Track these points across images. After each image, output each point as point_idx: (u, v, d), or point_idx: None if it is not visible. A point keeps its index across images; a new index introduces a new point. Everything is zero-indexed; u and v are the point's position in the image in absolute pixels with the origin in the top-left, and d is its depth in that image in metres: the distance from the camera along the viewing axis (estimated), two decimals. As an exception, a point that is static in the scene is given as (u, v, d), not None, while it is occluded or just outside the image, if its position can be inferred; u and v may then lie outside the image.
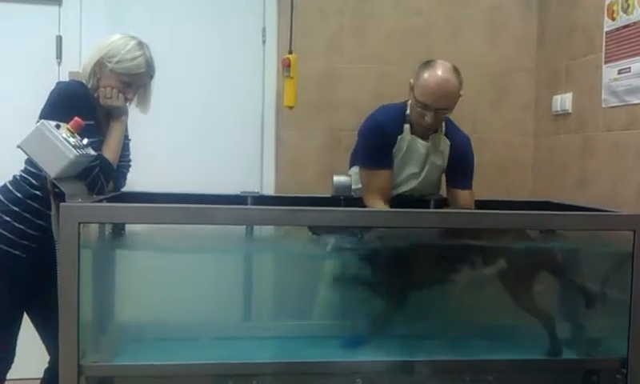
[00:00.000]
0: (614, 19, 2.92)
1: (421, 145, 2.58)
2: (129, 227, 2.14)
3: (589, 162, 3.12)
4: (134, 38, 2.38)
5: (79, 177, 2.13)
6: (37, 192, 2.25)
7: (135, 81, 2.37)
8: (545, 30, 3.62)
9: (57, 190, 1.96)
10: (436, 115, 2.47)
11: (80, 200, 1.96)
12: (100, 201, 2.13)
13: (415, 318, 2.36)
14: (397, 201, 2.60)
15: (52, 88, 2.31)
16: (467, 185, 2.66)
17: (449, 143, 2.62)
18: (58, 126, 1.95)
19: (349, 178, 2.67)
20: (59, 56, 3.39)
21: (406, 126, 2.56)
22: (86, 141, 2.07)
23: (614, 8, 2.91)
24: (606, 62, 2.98)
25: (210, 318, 2.29)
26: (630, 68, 2.80)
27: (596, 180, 3.06)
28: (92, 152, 2.12)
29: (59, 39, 3.40)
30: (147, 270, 2.20)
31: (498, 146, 3.69)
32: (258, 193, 2.70)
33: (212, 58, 3.52)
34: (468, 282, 2.39)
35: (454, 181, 2.66)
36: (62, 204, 1.87)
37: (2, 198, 2.28)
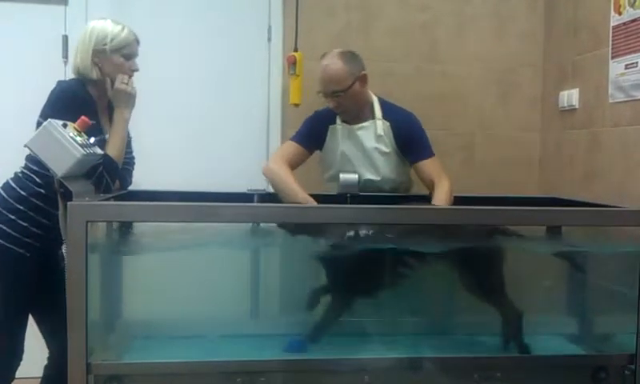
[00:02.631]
0: (620, 14, 2.91)
1: (348, 129, 2.72)
2: (136, 225, 2.15)
3: (596, 158, 3.11)
4: (104, 18, 2.42)
5: (84, 176, 2.14)
6: (41, 190, 2.26)
7: (133, 50, 2.41)
8: (551, 25, 3.61)
9: (62, 189, 1.96)
10: (334, 99, 2.64)
11: (87, 199, 1.97)
12: (107, 199, 2.13)
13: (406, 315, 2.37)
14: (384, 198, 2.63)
15: (53, 87, 2.31)
16: (426, 154, 2.71)
17: (388, 124, 2.70)
18: (64, 125, 1.96)
19: (355, 175, 2.68)
20: (65, 55, 3.39)
21: (338, 118, 2.74)
22: (92, 139, 2.07)
23: (621, 2, 2.90)
24: (612, 57, 2.96)
25: (217, 315, 2.29)
26: (637, 63, 2.78)
27: (603, 176, 3.04)
28: (99, 151, 2.12)
29: (65, 39, 3.40)
30: (155, 268, 2.20)
31: (505, 141, 3.68)
32: (264, 190, 2.70)
33: (217, 56, 3.52)
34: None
35: (412, 156, 2.72)
36: (69, 203, 1.88)
37: (7, 196, 2.29)
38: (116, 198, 2.22)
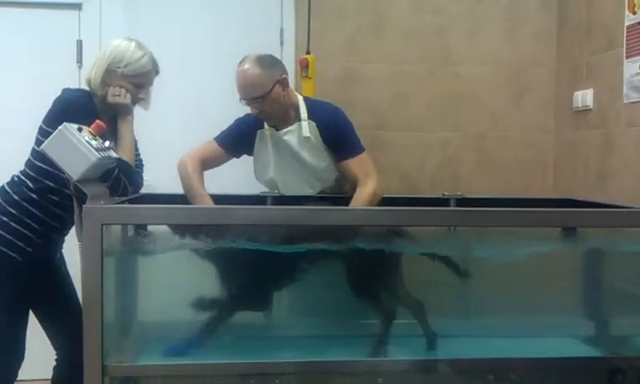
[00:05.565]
0: (634, 13, 2.89)
1: (276, 136, 2.63)
2: (150, 228, 2.16)
3: (610, 159, 3.09)
4: (131, 39, 2.40)
5: (100, 180, 2.15)
6: (33, 195, 2.29)
7: (146, 80, 2.40)
8: (564, 25, 3.59)
9: (77, 193, 1.98)
10: (255, 105, 2.54)
11: (102, 202, 1.98)
12: (122, 202, 2.15)
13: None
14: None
15: (58, 96, 2.32)
16: (350, 153, 2.61)
17: (314, 124, 2.62)
18: (80, 129, 1.97)
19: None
20: (80, 60, 3.42)
21: (266, 123, 2.65)
22: (107, 143, 2.09)
23: (635, 1, 2.88)
24: (627, 57, 2.94)
25: (232, 317, 2.29)
26: (652, 62, 2.77)
27: (618, 176, 3.02)
28: (114, 154, 2.13)
29: (79, 43, 3.43)
30: (169, 270, 2.21)
31: (519, 143, 3.67)
32: (277, 193, 2.70)
33: (230, 60, 3.50)
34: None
35: (338, 154, 2.62)
36: (84, 206, 1.89)
37: (0, 200, 2.32)
38: (131, 201, 2.23)
